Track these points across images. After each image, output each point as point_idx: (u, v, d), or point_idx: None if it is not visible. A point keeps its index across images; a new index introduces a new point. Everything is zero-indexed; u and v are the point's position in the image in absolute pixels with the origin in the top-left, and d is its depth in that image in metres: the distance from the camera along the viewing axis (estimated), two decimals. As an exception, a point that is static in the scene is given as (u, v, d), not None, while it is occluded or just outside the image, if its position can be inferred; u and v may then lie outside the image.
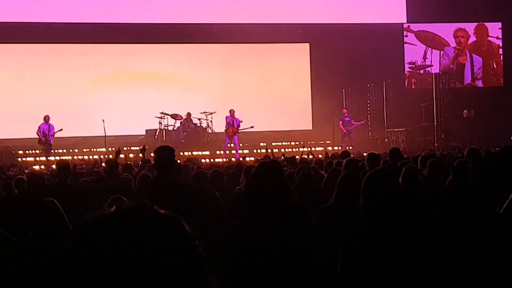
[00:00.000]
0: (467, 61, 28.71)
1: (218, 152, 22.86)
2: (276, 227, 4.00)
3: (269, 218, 4.02)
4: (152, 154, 7.62)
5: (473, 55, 28.77)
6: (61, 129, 21.83)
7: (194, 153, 22.05)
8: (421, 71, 27.76)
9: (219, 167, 11.63)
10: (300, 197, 6.96)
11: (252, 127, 23.16)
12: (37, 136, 21.75)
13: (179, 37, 25.93)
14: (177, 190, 6.17)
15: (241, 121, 23.09)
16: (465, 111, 26.40)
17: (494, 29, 28.98)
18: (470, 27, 28.71)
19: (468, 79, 28.73)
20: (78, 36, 25.00)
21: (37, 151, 22.67)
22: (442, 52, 28.61)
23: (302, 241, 4.10)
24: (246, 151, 22.86)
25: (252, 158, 17.38)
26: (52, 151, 21.83)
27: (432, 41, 28.55)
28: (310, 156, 14.76)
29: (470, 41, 28.76)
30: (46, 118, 21.87)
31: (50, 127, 21.73)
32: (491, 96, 27.38)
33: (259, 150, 22.70)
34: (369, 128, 26.71)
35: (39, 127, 21.81)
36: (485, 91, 28.46)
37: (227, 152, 22.71)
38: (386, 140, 25.57)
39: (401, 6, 28.06)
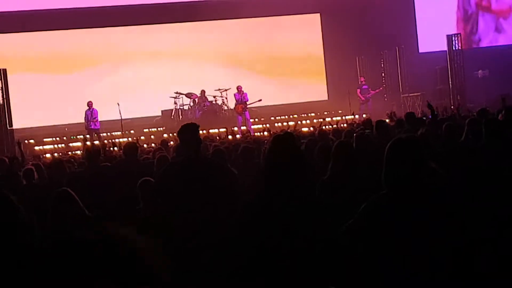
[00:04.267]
0: (473, 24, 28.58)
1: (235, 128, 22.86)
2: (293, 202, 3.98)
3: (287, 194, 3.99)
4: (175, 134, 7.62)
5: (481, 13, 28.61)
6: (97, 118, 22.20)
7: (211, 131, 22.05)
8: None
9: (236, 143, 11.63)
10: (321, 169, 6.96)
11: (260, 100, 23.16)
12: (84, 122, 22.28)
13: (189, 16, 25.82)
14: (211, 168, 6.21)
15: (246, 93, 23.10)
16: (479, 71, 26.21)
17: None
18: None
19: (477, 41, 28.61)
20: (88, 20, 25.03)
21: (56, 139, 22.98)
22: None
23: (314, 215, 4.07)
24: (262, 126, 22.94)
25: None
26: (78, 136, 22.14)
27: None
28: (329, 126, 14.75)
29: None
30: (89, 104, 22.29)
31: (92, 112, 22.14)
32: (506, 56, 27.14)
33: (276, 124, 22.82)
34: (385, 95, 26.60)
35: (85, 113, 22.26)
36: (499, 50, 28.21)
37: (242, 128, 22.73)
38: (402, 106, 25.47)
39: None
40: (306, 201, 3.98)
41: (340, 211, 4.04)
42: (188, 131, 6.23)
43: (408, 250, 3.59)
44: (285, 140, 4.29)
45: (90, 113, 22.15)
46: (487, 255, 4.05)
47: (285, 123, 22.56)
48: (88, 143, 16.23)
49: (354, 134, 8.02)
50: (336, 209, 4.10)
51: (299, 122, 21.23)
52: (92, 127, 22.10)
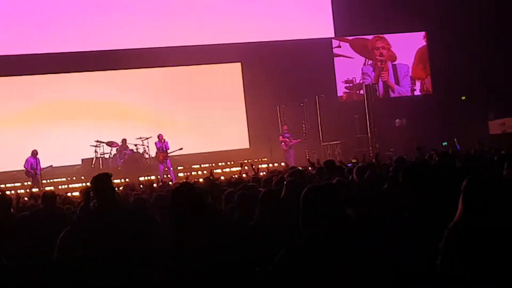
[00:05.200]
0: (389, 75, 29.31)
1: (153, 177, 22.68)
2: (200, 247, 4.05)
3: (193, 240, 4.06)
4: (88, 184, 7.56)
5: (397, 64, 29.43)
6: (52, 165, 22.27)
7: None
8: (361, 91, 27.60)
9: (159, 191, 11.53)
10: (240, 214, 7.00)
11: (181, 148, 23.14)
12: (24, 169, 22.03)
13: (109, 64, 25.75)
14: (127, 216, 6.17)
15: (167, 142, 23.10)
16: (397, 120, 26.91)
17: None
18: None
19: (397, 92, 29.38)
20: (6, 68, 24.64)
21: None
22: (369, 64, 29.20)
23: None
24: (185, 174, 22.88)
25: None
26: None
27: (366, 50, 29.16)
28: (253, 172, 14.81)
29: (395, 51, 29.41)
30: (34, 152, 22.11)
31: (37, 161, 22.01)
32: (422, 104, 27.99)
33: (198, 172, 22.85)
34: (306, 143, 26.90)
35: (26, 160, 22.01)
36: (416, 99, 29.08)
37: (165, 176, 22.59)
38: (323, 154, 25.78)
39: (329, 21, 28.54)
40: (215, 243, 4.06)
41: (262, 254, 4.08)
42: (101, 181, 6.22)
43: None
44: (183, 192, 4.42)
45: (35, 161, 21.99)
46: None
47: (205, 171, 22.58)
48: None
49: (285, 182, 8.03)
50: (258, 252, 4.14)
51: (220, 170, 21.31)
52: (38, 175, 22.00)
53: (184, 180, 13.32)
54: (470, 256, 3.89)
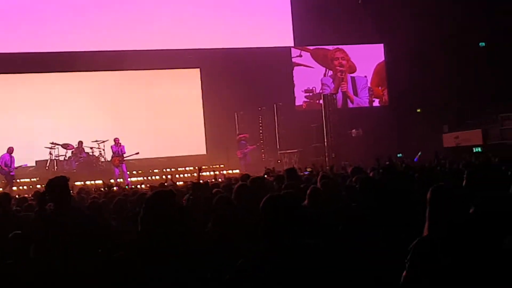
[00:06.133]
0: (348, 86, 29.53)
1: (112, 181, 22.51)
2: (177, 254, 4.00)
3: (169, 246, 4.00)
4: (42, 186, 7.43)
5: (356, 76, 29.66)
6: (26, 164, 22.17)
7: (87, 182, 21.54)
8: (319, 101, 27.68)
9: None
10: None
11: (137, 153, 22.97)
12: None
13: (67, 66, 25.44)
14: (81, 219, 6.10)
15: (123, 146, 22.92)
16: (353, 130, 27.10)
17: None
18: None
19: (356, 103, 29.60)
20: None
21: None
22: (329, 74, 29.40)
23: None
24: (139, 178, 22.76)
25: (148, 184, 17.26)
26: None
27: (326, 60, 29.34)
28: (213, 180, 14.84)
29: (354, 62, 29.64)
30: (10, 150, 21.67)
31: (12, 159, 21.53)
32: (379, 115, 28.24)
33: (154, 177, 22.73)
34: (263, 150, 26.94)
35: (1, 157, 21.56)
36: (373, 110, 29.35)
37: (118, 180, 22.38)
38: (279, 161, 25.83)
39: (288, 30, 28.68)
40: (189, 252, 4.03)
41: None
42: (58, 184, 6.12)
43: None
44: (165, 197, 4.37)
45: (10, 159, 21.55)
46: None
47: (163, 176, 22.46)
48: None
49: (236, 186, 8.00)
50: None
51: (177, 176, 21.20)
52: (13, 174, 21.61)
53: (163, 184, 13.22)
54: (438, 273, 3.82)
